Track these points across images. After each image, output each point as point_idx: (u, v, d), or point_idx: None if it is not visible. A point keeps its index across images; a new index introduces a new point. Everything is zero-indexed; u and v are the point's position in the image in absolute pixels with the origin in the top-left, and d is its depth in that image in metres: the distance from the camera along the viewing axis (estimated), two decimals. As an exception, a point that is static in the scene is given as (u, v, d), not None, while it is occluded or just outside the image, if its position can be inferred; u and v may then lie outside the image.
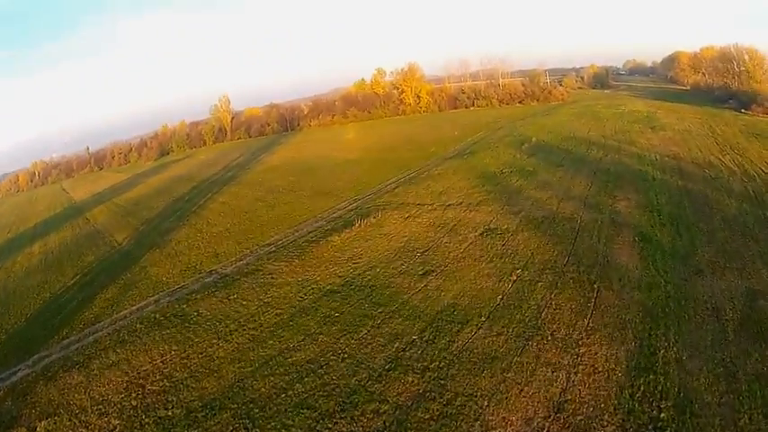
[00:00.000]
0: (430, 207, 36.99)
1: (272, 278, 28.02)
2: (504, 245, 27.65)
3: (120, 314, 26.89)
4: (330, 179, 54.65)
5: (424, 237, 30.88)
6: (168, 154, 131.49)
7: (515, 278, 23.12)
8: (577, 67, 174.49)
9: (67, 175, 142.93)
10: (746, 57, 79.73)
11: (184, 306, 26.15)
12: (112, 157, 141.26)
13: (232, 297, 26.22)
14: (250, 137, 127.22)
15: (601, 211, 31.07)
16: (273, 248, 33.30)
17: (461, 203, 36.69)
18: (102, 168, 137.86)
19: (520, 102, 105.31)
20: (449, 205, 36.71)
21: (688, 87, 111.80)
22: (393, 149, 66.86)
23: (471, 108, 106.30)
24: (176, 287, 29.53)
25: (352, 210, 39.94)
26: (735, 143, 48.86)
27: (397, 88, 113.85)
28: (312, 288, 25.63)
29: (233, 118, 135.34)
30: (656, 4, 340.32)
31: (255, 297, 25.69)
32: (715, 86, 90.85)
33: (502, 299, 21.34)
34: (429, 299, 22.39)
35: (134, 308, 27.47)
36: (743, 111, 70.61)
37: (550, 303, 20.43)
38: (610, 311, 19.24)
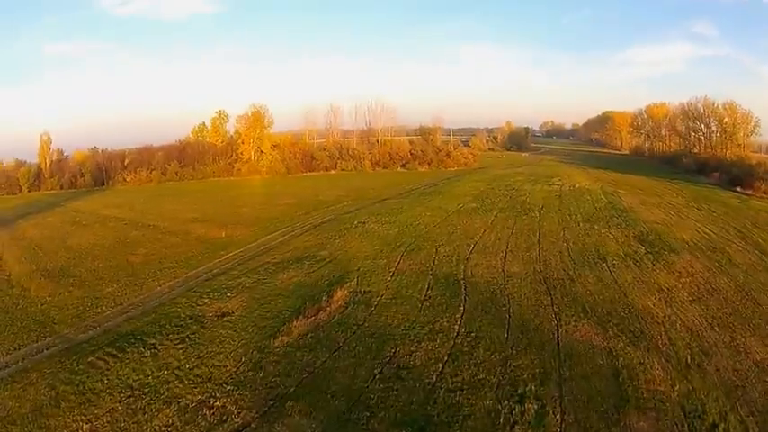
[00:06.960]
0: None
1: None
2: None
3: None
4: None
5: None
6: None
7: None
8: (490, 127, 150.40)
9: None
10: (724, 112, 53.00)
11: None
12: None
13: None
14: (61, 189, 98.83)
15: None
16: None
17: None
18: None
19: (403, 165, 73.84)
20: None
21: (626, 152, 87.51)
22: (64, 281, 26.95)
23: (332, 171, 72.44)
24: None
25: None
26: None
27: (239, 138, 77.01)
28: None
29: (51, 163, 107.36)
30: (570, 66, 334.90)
31: None
32: (671, 152, 65.34)
33: None
34: None
35: None
36: (739, 190, 43.80)
37: None
38: None
